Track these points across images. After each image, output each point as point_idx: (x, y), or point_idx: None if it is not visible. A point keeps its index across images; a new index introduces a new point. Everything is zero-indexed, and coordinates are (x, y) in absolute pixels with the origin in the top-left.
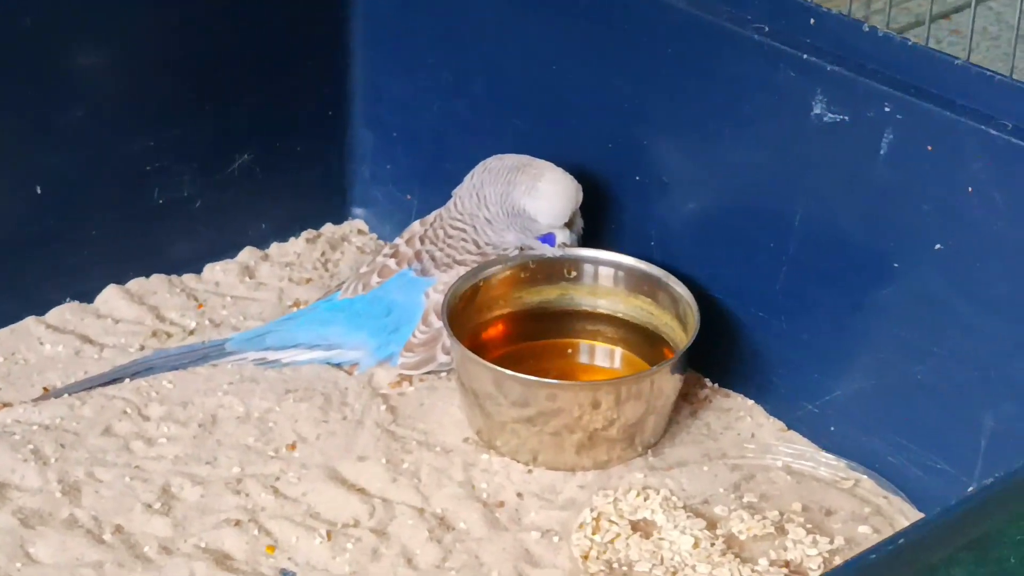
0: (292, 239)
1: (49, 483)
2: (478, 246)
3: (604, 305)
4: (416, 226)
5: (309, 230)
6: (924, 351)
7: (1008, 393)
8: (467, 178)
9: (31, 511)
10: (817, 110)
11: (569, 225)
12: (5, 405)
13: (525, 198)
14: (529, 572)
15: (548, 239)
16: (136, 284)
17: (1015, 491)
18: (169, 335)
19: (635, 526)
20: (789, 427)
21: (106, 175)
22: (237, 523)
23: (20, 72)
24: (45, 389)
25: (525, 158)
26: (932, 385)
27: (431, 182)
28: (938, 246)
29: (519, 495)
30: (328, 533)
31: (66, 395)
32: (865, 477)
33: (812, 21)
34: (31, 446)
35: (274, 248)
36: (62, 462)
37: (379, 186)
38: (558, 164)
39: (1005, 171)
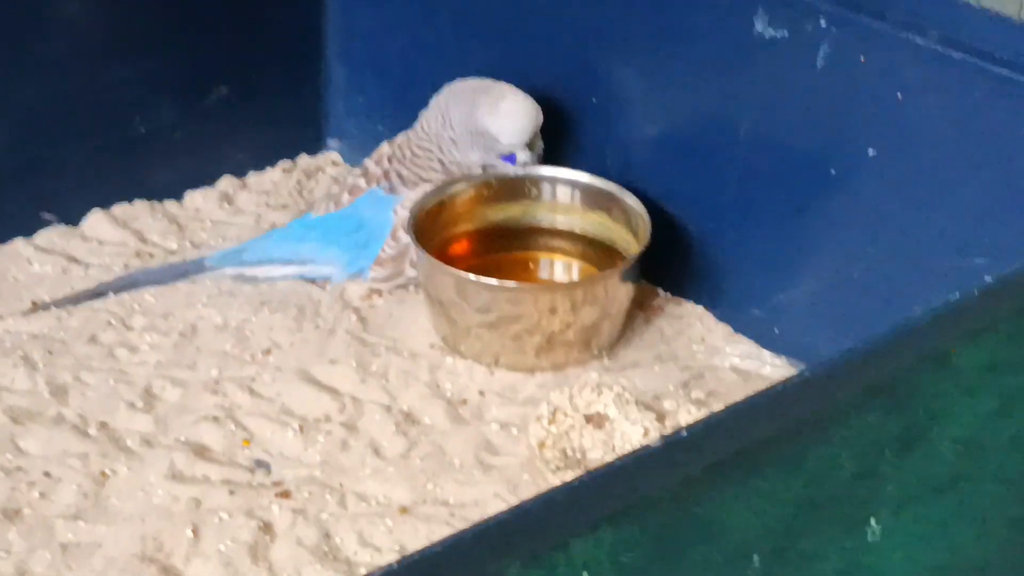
0: (269, 168)
1: (37, 385)
2: (443, 165)
3: (563, 221)
4: (384, 147)
5: (285, 160)
6: (860, 251)
7: (937, 285)
8: (433, 100)
9: (21, 410)
10: (759, 27)
11: (530, 145)
12: None
13: (488, 118)
14: (489, 459)
15: (510, 158)
16: (120, 209)
17: (923, 337)
18: (152, 255)
19: (589, 418)
20: (736, 331)
21: (89, 105)
22: (215, 419)
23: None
24: (34, 303)
25: (488, 81)
26: (868, 283)
27: (401, 113)
28: (871, 151)
29: (481, 393)
30: (300, 427)
31: (53, 308)
32: None
33: None
34: (20, 353)
35: (252, 176)
36: (50, 367)
37: (352, 118)
38: (519, 87)
39: (932, 78)
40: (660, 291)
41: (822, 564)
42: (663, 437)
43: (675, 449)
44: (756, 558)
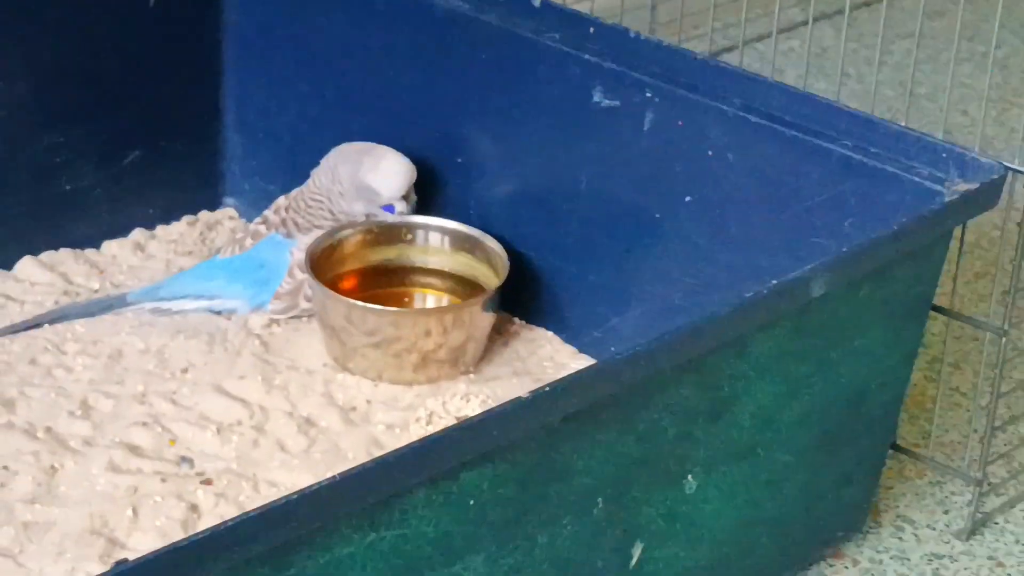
0: (175, 222)
1: None
2: (333, 214)
3: (434, 261)
4: (281, 199)
5: (188, 215)
6: (679, 281)
7: None
8: (323, 160)
9: None
10: (596, 98)
11: (406, 198)
12: None
13: (371, 175)
14: (378, 452)
15: (389, 208)
16: (47, 256)
17: (724, 325)
18: (78, 294)
19: (459, 420)
20: (580, 351)
21: (21, 166)
22: (144, 424)
23: None
24: None
25: (371, 144)
26: (687, 306)
27: (290, 174)
28: (688, 198)
29: (368, 402)
30: (217, 429)
31: None
32: None
33: (592, 30)
34: None
35: (160, 229)
36: None
37: (247, 179)
38: (396, 150)
39: (735, 138)
40: (516, 319)
41: (650, 509)
42: (530, 392)
43: (540, 401)
44: (600, 500)
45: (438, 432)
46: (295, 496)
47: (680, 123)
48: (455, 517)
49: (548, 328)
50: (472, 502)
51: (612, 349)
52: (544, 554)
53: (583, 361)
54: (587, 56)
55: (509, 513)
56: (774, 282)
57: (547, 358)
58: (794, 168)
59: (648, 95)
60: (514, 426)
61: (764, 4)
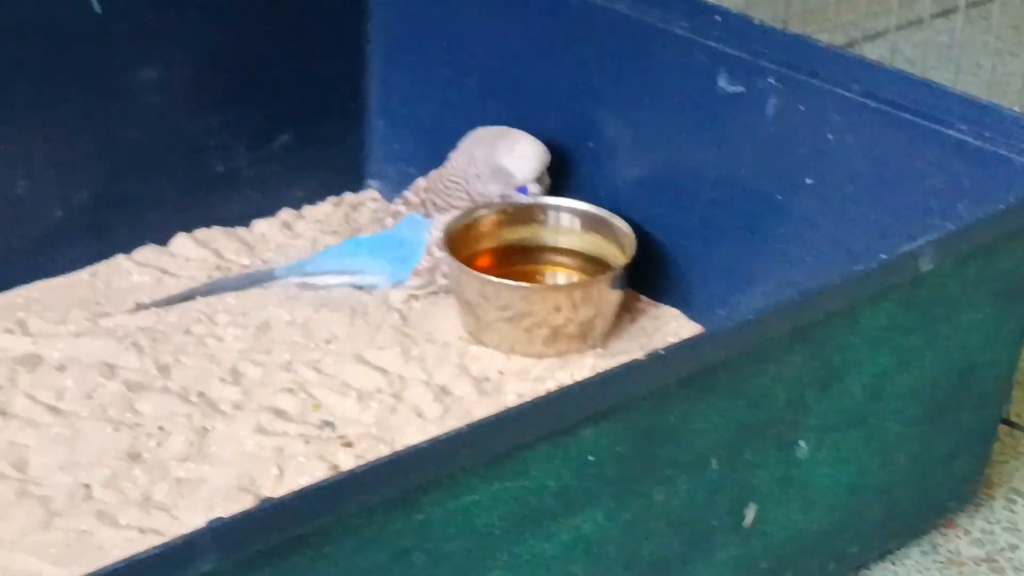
0: (320, 203)
1: (146, 364)
2: (469, 195)
3: (565, 241)
4: (420, 181)
5: (333, 196)
6: (801, 260)
7: None
8: (460, 143)
9: (134, 382)
10: (722, 84)
11: (539, 180)
12: (106, 314)
13: (506, 158)
14: None
15: (522, 190)
16: (200, 232)
17: (834, 296)
18: (229, 269)
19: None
20: (705, 327)
21: (178, 147)
22: (290, 390)
23: (111, 70)
24: (137, 304)
25: (506, 128)
26: (807, 284)
27: (430, 157)
28: (809, 180)
29: (500, 373)
30: (358, 396)
31: (153, 308)
32: None
33: (718, 18)
34: (131, 340)
35: (306, 209)
36: (154, 351)
37: (389, 162)
38: (530, 134)
39: (855, 121)
40: (642, 297)
41: (763, 472)
42: (647, 353)
43: (655, 363)
44: (713, 462)
45: (558, 390)
46: (425, 444)
47: (801, 108)
48: (574, 472)
49: (674, 306)
50: (591, 458)
51: None
52: (660, 511)
53: None
54: (713, 43)
55: (626, 470)
56: (883, 257)
57: (672, 334)
58: (911, 151)
59: (771, 81)
60: (630, 386)
61: None
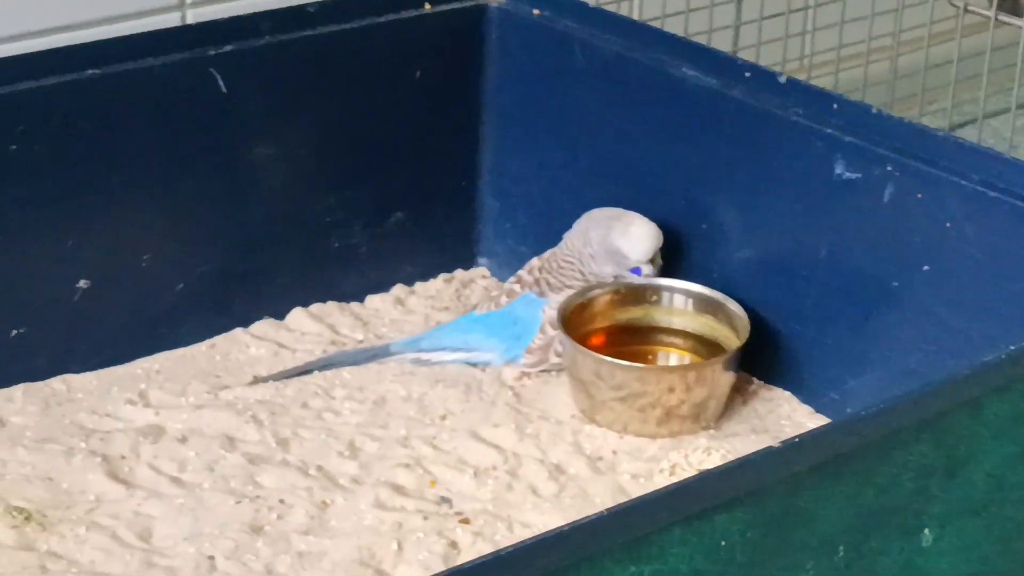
0: (431, 280)
1: (266, 437)
2: (583, 275)
3: (678, 322)
4: (535, 261)
5: (444, 273)
6: (917, 347)
7: None
8: (575, 224)
9: (254, 455)
10: (838, 170)
11: (652, 261)
12: (225, 387)
13: (620, 239)
14: (623, 499)
15: (636, 271)
16: (316, 308)
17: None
18: (344, 344)
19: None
20: (817, 411)
21: (299, 225)
22: (407, 466)
23: (235, 149)
24: (255, 377)
25: (621, 210)
26: (921, 371)
27: (541, 237)
28: (926, 267)
29: (614, 452)
30: (474, 473)
31: (271, 381)
32: None
33: (835, 107)
34: (250, 413)
35: (418, 286)
36: (273, 424)
37: (500, 241)
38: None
39: (974, 211)
40: (754, 379)
41: (887, 560)
42: (781, 441)
43: (788, 451)
44: (841, 548)
45: (693, 476)
46: (567, 527)
47: (919, 196)
48: (707, 556)
49: (786, 389)
50: (723, 543)
51: (848, 410)
52: None
53: (820, 421)
54: (830, 130)
55: (756, 555)
56: (1011, 348)
57: (784, 417)
58: None
59: (888, 168)
60: (763, 473)
61: (1000, 81)
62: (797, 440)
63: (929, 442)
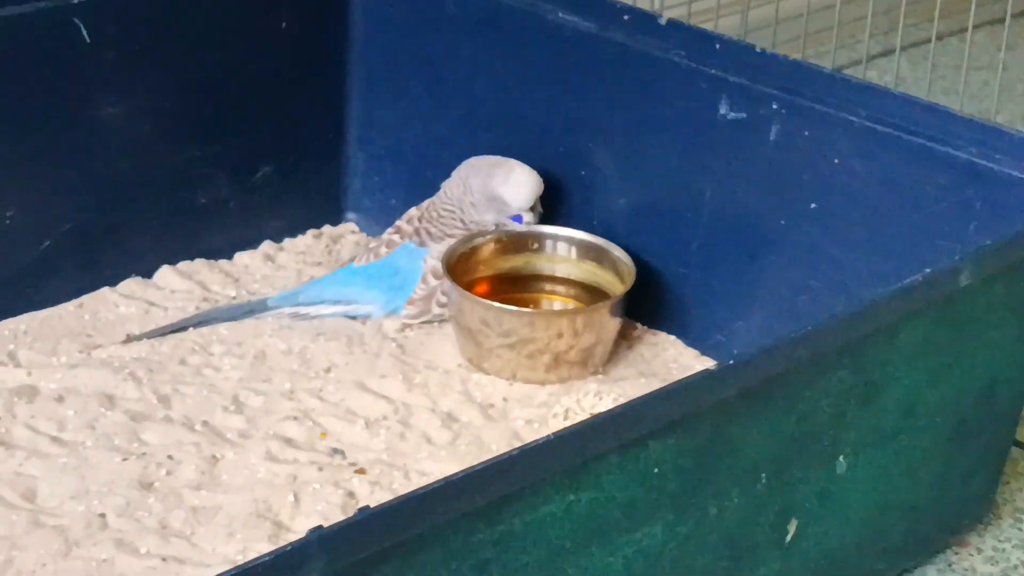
0: (300, 235)
1: (146, 395)
2: (464, 223)
3: (561, 270)
4: (413, 211)
5: (313, 229)
6: (804, 285)
7: None
8: (455, 172)
9: (136, 412)
10: (723, 111)
11: (533, 208)
12: (98, 346)
13: (501, 187)
14: (520, 444)
15: (517, 219)
16: (184, 265)
17: (876, 312)
18: (217, 300)
19: (594, 415)
20: (703, 353)
21: (162, 178)
22: (295, 418)
23: (96, 100)
24: (128, 335)
25: (501, 158)
26: (810, 311)
27: (412, 189)
28: (813, 205)
29: (504, 399)
30: (365, 423)
31: (145, 339)
32: None
33: (718, 47)
34: (127, 370)
35: (287, 242)
36: (152, 382)
37: (368, 195)
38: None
39: (862, 147)
40: (638, 324)
41: (805, 487)
42: (717, 364)
43: (722, 373)
44: (763, 476)
45: (630, 401)
46: (514, 453)
47: (807, 133)
48: (641, 483)
49: (671, 333)
50: (656, 470)
51: (735, 351)
52: (713, 526)
53: (706, 363)
54: (713, 71)
55: (686, 483)
56: (928, 270)
57: (671, 360)
58: (920, 175)
59: (775, 107)
60: (698, 396)
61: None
62: (731, 363)
63: (849, 367)
